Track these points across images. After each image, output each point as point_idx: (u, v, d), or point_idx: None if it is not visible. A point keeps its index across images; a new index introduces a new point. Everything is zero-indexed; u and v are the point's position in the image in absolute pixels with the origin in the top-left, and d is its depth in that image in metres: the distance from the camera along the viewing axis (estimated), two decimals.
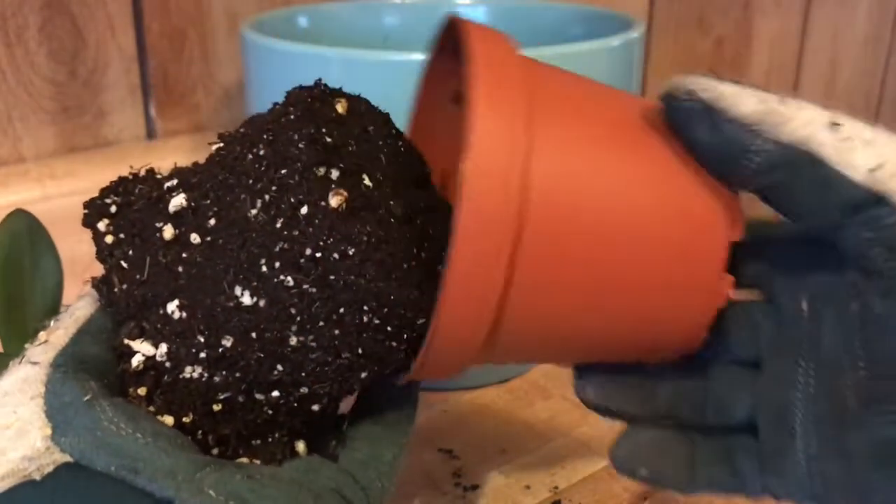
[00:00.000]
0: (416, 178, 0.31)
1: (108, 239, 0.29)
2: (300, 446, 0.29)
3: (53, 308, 0.36)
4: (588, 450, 0.45)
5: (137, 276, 0.28)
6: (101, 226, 0.29)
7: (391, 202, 0.28)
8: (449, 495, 0.42)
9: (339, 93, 0.30)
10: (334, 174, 0.27)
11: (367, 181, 0.28)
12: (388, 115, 0.32)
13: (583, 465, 0.44)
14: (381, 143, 0.30)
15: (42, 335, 0.28)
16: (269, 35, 0.45)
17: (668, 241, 0.28)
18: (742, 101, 0.27)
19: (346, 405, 0.31)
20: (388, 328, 0.27)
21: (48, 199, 0.52)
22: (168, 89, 0.62)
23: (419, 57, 0.40)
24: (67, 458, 0.24)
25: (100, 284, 0.28)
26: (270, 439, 0.29)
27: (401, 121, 0.32)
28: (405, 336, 0.27)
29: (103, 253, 0.29)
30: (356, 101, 0.30)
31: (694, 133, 0.28)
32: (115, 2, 0.59)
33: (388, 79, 0.37)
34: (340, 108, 0.29)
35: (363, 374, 0.28)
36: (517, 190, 0.25)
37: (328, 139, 0.27)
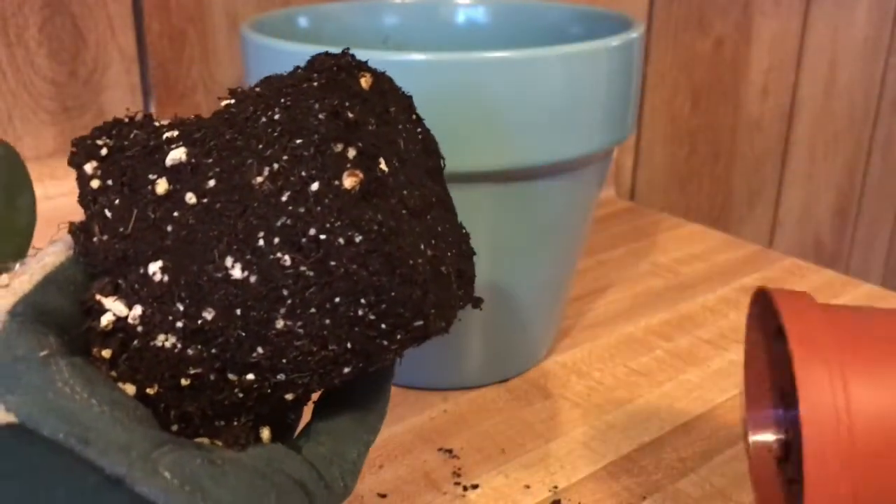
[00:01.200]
0: (429, 170, 0.30)
1: (94, 183, 0.26)
2: (265, 433, 0.28)
3: (21, 250, 0.33)
4: (588, 450, 0.46)
5: (121, 229, 0.26)
6: (88, 168, 0.27)
7: (405, 192, 0.27)
8: (449, 495, 0.42)
9: (365, 66, 0.28)
10: (351, 153, 0.25)
11: (383, 165, 0.26)
12: (410, 98, 0.30)
13: (583, 465, 0.44)
14: (400, 126, 0.28)
15: (4, 278, 0.26)
16: (269, 35, 0.45)
17: None
18: None
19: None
20: (383, 325, 0.25)
21: (49, 198, 0.52)
22: (168, 89, 0.62)
23: (419, 57, 0.41)
24: (11, 419, 0.22)
25: (77, 231, 0.26)
26: (236, 423, 0.27)
27: None
28: (398, 336, 0.26)
29: (86, 198, 0.26)
30: (381, 78, 0.28)
31: None
32: (115, 2, 0.59)
33: None
34: (364, 82, 0.27)
35: (346, 370, 0.26)
36: (845, 428, 0.31)
37: (350, 115, 0.25)
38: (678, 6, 0.90)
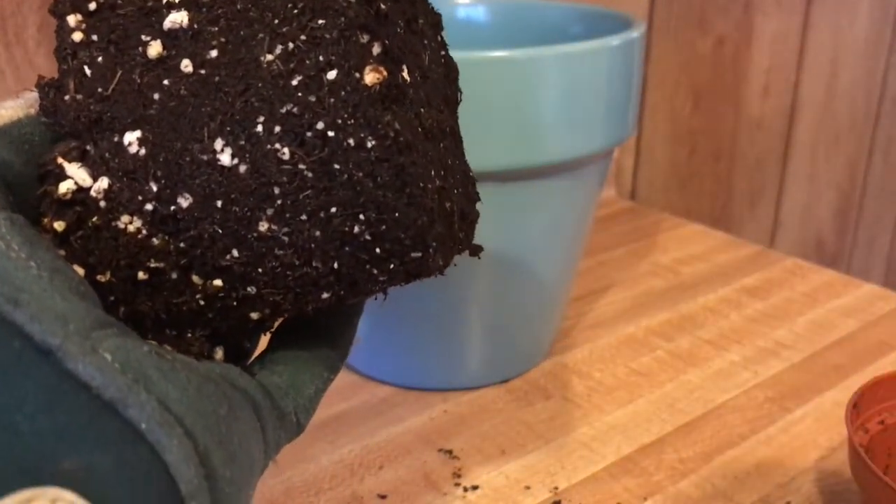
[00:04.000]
0: (447, 98, 0.27)
1: (77, 36, 0.23)
2: (218, 353, 0.25)
3: None
4: (588, 450, 0.45)
5: (100, 90, 0.23)
6: (72, 20, 0.23)
7: (423, 110, 0.24)
8: (449, 495, 0.42)
9: None
10: (376, 49, 0.22)
11: (405, 74, 0.23)
12: (440, 16, 0.27)
13: (583, 465, 0.44)
14: (426, 41, 0.26)
15: None
16: None
17: None
18: None
19: None
20: (378, 250, 0.23)
21: None
22: None
23: None
24: None
25: (48, 87, 0.23)
26: (190, 334, 0.24)
27: None
28: (391, 266, 0.23)
29: (64, 51, 0.23)
30: None
31: None
32: None
33: None
34: None
35: (325, 295, 0.24)
36: None
37: (382, 6, 0.23)
38: (679, 6, 0.90)
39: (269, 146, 0.22)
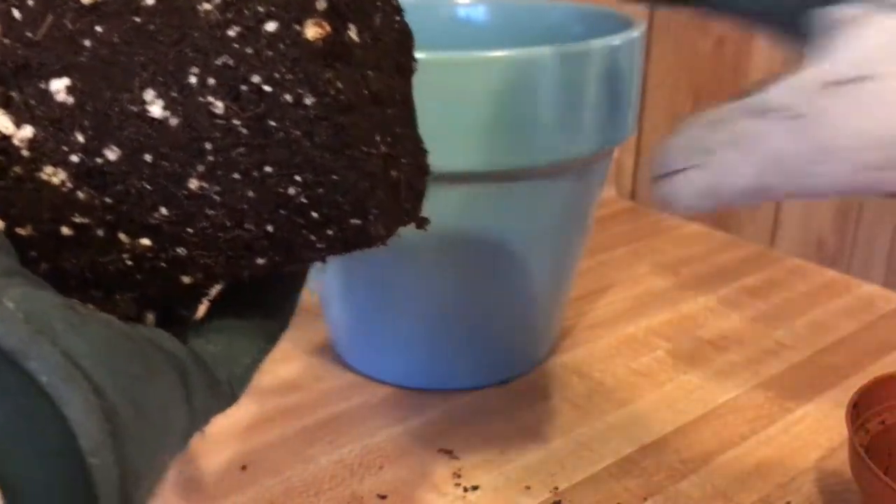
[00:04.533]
0: (400, 67, 0.26)
1: None
2: (150, 318, 0.24)
3: None
4: (588, 450, 0.45)
5: (28, 34, 0.22)
6: None
7: (370, 73, 0.23)
8: (449, 496, 0.42)
9: None
10: (321, 4, 0.21)
11: (353, 34, 0.22)
12: None
13: (583, 465, 0.44)
14: (379, 3, 0.25)
15: None
16: None
17: None
18: None
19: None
20: (314, 214, 0.22)
21: None
22: None
23: (418, 56, 0.39)
24: None
25: None
26: (118, 297, 0.23)
27: None
28: (329, 232, 0.22)
29: None
30: None
31: None
32: None
33: None
34: None
35: (260, 261, 0.23)
36: None
37: None
38: None
39: (201, 99, 0.21)
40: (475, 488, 0.42)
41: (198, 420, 0.23)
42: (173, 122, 0.21)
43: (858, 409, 0.40)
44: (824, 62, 0.29)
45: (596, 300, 0.62)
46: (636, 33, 0.45)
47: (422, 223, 0.27)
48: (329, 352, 0.54)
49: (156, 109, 0.21)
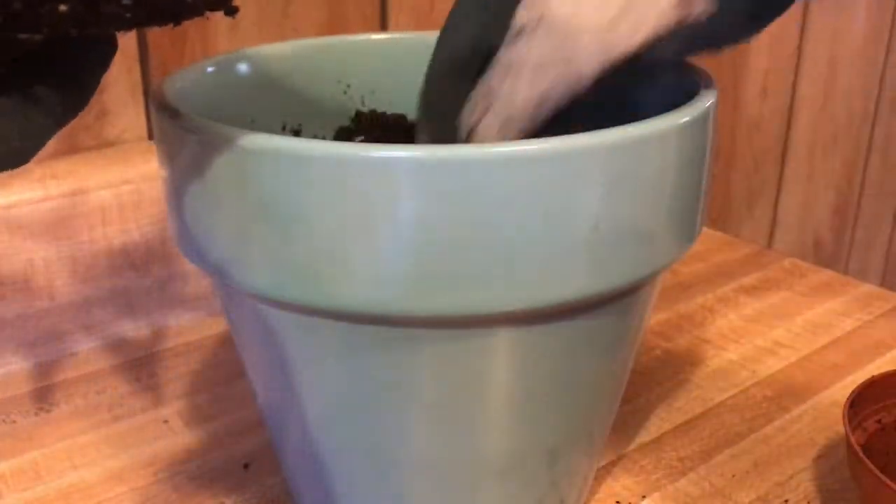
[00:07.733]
0: None
1: None
2: None
3: None
4: None
5: None
6: None
7: None
8: None
9: None
10: None
11: None
12: None
13: None
14: None
15: None
16: (191, 96, 0.35)
17: None
18: None
19: None
20: None
21: (50, 199, 0.52)
22: None
23: (410, 154, 0.27)
24: None
25: None
26: None
27: None
28: None
29: None
30: None
31: None
32: None
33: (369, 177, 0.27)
34: None
35: (61, 7, 0.20)
36: None
37: None
38: None
39: None
40: None
41: None
42: None
43: (856, 408, 0.41)
44: None
45: None
46: (711, 99, 0.32)
47: (231, 11, 0.24)
48: None
49: None
